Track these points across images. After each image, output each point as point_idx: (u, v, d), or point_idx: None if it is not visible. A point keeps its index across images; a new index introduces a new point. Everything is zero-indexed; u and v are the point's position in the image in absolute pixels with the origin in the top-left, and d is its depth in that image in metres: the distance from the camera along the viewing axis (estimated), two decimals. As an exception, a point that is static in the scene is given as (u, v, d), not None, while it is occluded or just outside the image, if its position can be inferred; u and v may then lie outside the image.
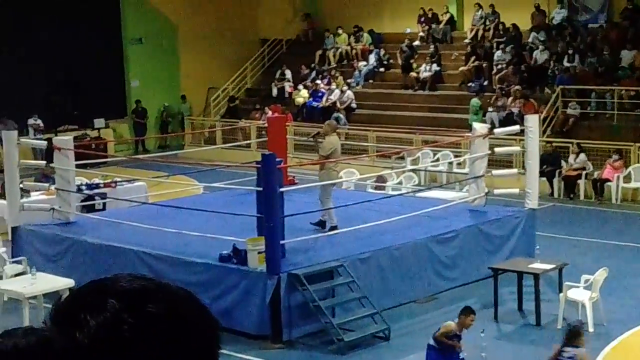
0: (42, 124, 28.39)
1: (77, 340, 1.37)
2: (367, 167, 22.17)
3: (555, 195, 21.91)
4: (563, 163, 22.15)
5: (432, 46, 29.27)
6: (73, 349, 1.37)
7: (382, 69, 30.67)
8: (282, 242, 12.80)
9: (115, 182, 19.53)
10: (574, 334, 10.02)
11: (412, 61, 29.40)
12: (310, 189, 15.58)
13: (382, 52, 30.83)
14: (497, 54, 27.58)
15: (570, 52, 26.14)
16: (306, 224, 14.63)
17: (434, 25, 30.58)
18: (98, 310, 1.39)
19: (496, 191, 16.47)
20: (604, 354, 11.85)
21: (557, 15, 28.11)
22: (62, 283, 13.10)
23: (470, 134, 17.20)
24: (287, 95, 30.91)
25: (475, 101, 25.95)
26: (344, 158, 22.85)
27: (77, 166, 16.67)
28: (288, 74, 31.56)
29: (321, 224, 14.79)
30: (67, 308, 1.43)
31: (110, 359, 1.37)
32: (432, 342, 10.58)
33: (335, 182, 15.45)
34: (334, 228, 14.56)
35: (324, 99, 29.32)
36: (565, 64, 25.97)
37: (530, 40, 27.47)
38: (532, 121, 16.14)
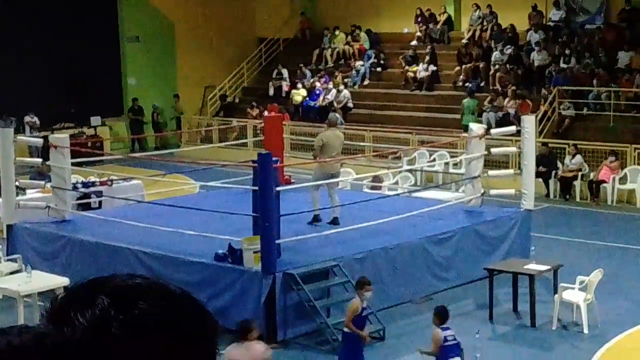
0: (38, 122, 28.37)
1: (65, 336, 1.37)
2: (364, 166, 22.16)
3: (551, 196, 21.93)
4: (559, 164, 22.17)
5: (429, 46, 29.31)
6: (63, 345, 1.37)
7: (379, 69, 30.67)
8: (277, 241, 12.79)
9: (112, 180, 19.49)
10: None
11: (410, 67, 29.38)
12: (307, 188, 15.59)
13: (379, 52, 30.84)
14: (495, 54, 27.59)
15: (567, 53, 26.17)
16: (302, 224, 14.65)
17: (431, 25, 30.60)
18: (88, 306, 1.39)
19: (492, 192, 16.49)
20: (598, 356, 11.86)
21: (554, 16, 28.12)
22: (57, 281, 13.08)
23: (466, 135, 17.20)
24: (283, 94, 30.91)
25: (469, 101, 25.92)
26: (341, 158, 22.85)
27: (73, 164, 16.64)
28: (285, 73, 31.56)
29: (335, 221, 14.92)
30: (61, 305, 1.43)
31: (99, 355, 1.36)
32: (346, 329, 11.03)
33: (329, 181, 15.42)
34: (316, 217, 14.99)
35: (321, 98, 29.33)
36: (562, 65, 25.99)
37: (527, 40, 27.48)
38: (529, 122, 16.14)
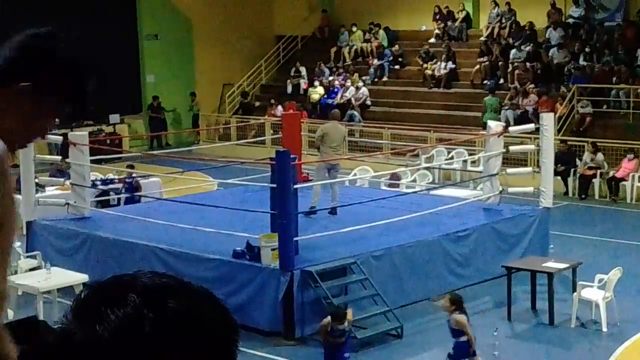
0: (57, 119, 28.45)
1: (97, 333, 1.39)
2: (381, 164, 22.13)
3: (570, 194, 21.83)
4: (578, 162, 22.07)
5: (447, 44, 29.25)
6: (93, 342, 1.39)
7: (397, 67, 30.64)
8: (295, 238, 12.81)
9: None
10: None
11: (427, 64, 29.33)
12: (324, 185, 15.62)
13: (397, 49, 30.80)
14: (513, 52, 27.51)
15: (586, 50, 26.04)
16: (320, 221, 14.67)
17: (449, 23, 30.54)
18: (119, 304, 1.40)
19: (510, 189, 16.44)
20: (617, 355, 11.81)
21: (574, 13, 28.01)
22: (76, 278, 13.14)
23: (484, 132, 17.16)
24: (301, 92, 30.94)
25: (490, 99, 25.88)
26: (359, 155, 22.89)
27: (92, 161, 16.74)
28: (303, 70, 31.58)
29: (333, 211, 15.24)
30: (89, 302, 1.44)
31: (130, 352, 1.38)
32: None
33: (334, 180, 15.60)
34: (312, 209, 15.17)
35: (339, 95, 29.33)
36: (581, 62, 25.88)
37: (546, 37, 27.37)
38: (547, 119, 16.09)
